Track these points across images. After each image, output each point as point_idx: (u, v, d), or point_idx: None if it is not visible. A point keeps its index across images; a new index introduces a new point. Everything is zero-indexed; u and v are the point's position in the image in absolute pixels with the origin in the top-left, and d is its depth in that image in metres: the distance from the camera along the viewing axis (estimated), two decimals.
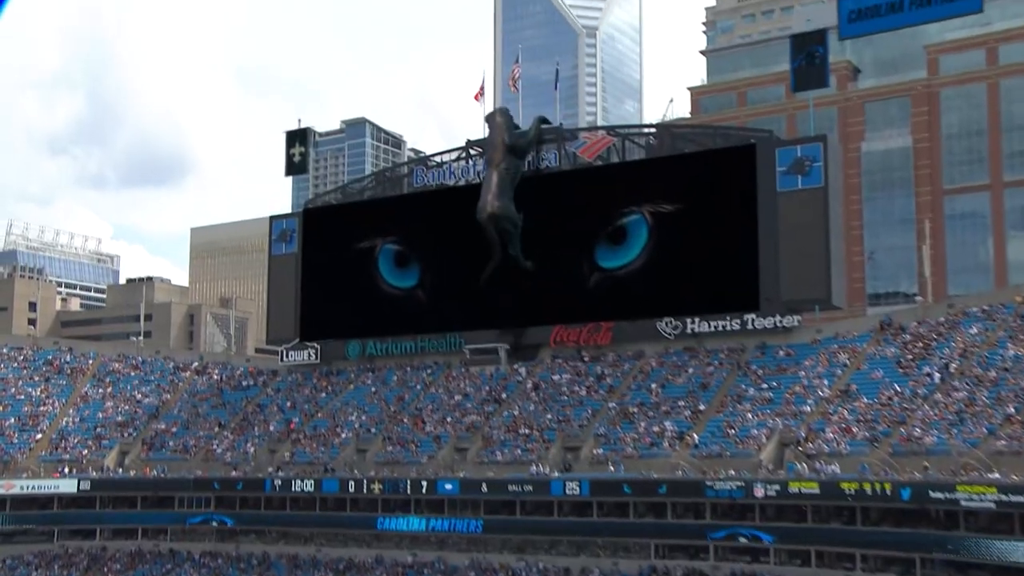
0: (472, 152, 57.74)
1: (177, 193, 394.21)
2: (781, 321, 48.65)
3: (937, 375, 43.06)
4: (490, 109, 59.27)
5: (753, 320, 49.01)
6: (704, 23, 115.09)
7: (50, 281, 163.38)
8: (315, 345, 61.62)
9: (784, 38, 54.77)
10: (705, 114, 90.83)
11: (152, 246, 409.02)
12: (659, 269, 50.53)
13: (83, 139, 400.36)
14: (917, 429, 39.87)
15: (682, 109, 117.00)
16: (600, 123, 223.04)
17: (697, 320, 50.35)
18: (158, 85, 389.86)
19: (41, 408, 62.12)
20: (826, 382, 45.65)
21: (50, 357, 67.74)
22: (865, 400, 43.31)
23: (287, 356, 62.73)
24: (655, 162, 52.89)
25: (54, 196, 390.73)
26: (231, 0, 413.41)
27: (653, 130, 58.11)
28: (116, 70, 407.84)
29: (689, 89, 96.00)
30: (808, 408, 44.05)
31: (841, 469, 39.52)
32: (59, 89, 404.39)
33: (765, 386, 46.72)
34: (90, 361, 67.52)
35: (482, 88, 60.60)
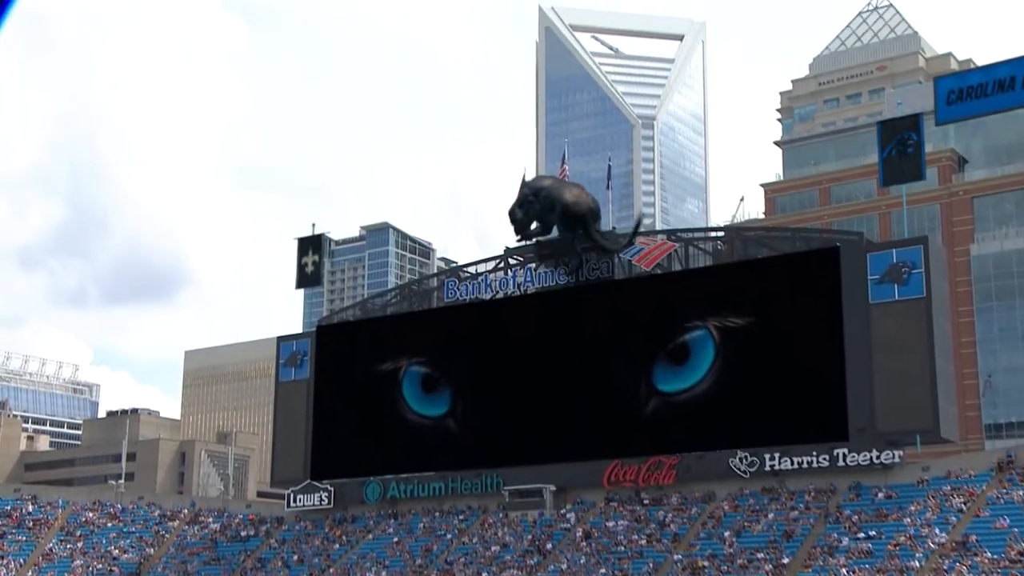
0: (512, 261, 60.04)
1: (169, 311, 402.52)
2: (879, 457, 48.66)
3: None
4: None
5: (845, 455, 49.09)
6: (779, 110, 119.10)
7: (14, 416, 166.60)
8: (328, 487, 62.59)
9: (873, 125, 57.02)
10: (781, 214, 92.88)
11: (139, 373, 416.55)
12: (729, 393, 51.23)
13: (61, 249, 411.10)
14: None
15: (754, 208, 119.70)
16: (659, 226, 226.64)
17: (777, 455, 50.58)
18: (148, 187, 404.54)
19: None
20: (938, 531, 45.23)
21: (9, 508, 67.81)
22: (989, 555, 42.75)
23: (295, 500, 63.52)
24: (723, 269, 54.41)
25: (24, 316, 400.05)
26: (231, 90, 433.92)
27: (721, 233, 59.90)
28: (100, 169, 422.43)
29: (762, 186, 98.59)
30: (917, 563, 43.58)
31: None
32: (33, 191, 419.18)
33: (862, 535, 46.45)
34: (58, 511, 67.54)
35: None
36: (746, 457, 51.22)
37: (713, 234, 59.42)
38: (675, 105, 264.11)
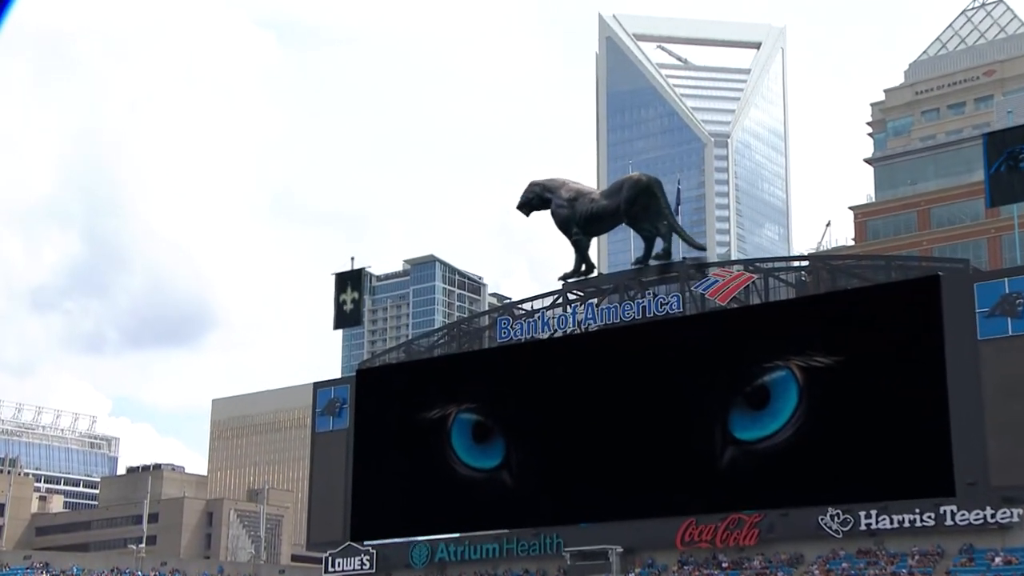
0: (571, 296, 60.58)
1: (195, 356, 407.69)
2: (993, 515, 47.94)
3: None
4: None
5: (953, 513, 48.49)
6: (870, 123, 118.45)
7: (26, 475, 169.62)
8: (370, 549, 63.14)
9: (979, 138, 56.50)
10: (874, 240, 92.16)
11: (162, 424, 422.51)
12: (816, 442, 50.94)
13: (77, 289, 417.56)
14: None
15: (843, 234, 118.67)
16: (735, 255, 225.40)
17: (874, 512, 50.11)
18: (172, 219, 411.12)
19: None
20: None
21: None
22: None
23: (333, 565, 64.05)
24: (807, 303, 54.34)
25: (37, 363, 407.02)
26: (261, 113, 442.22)
27: (805, 263, 59.81)
28: (120, 200, 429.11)
29: (852, 208, 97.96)
30: None
31: None
32: (47, 225, 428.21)
33: None
34: None
35: None
36: (838, 515, 50.81)
37: (796, 263, 59.36)
38: (752, 120, 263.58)
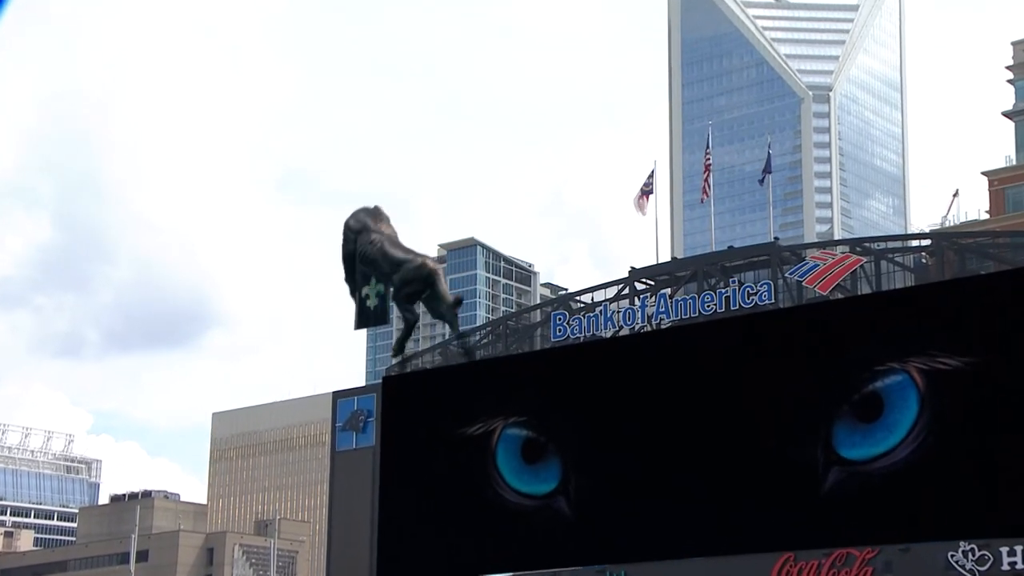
0: (639, 286, 60.54)
1: (192, 361, 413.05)
2: None
3: None
4: (664, 220, 62.38)
5: None
6: (1010, 67, 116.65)
7: None
8: None
9: None
10: (1015, 212, 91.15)
11: (152, 443, 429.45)
12: (942, 461, 50.11)
13: (49, 282, 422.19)
14: None
15: (974, 206, 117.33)
16: (839, 233, 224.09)
17: (1019, 549, 50.04)
18: (164, 200, 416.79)
19: None
20: None
21: None
22: None
23: None
24: (930, 291, 53.48)
25: (1, 371, 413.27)
26: (270, 74, 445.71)
27: (927, 241, 59.39)
28: (101, 181, 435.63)
29: (986, 174, 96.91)
30: None
31: None
32: (10, 208, 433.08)
33: None
34: None
35: (647, 189, 64.07)
36: (972, 551, 50.50)
37: (915, 243, 58.91)
38: (860, 69, 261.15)
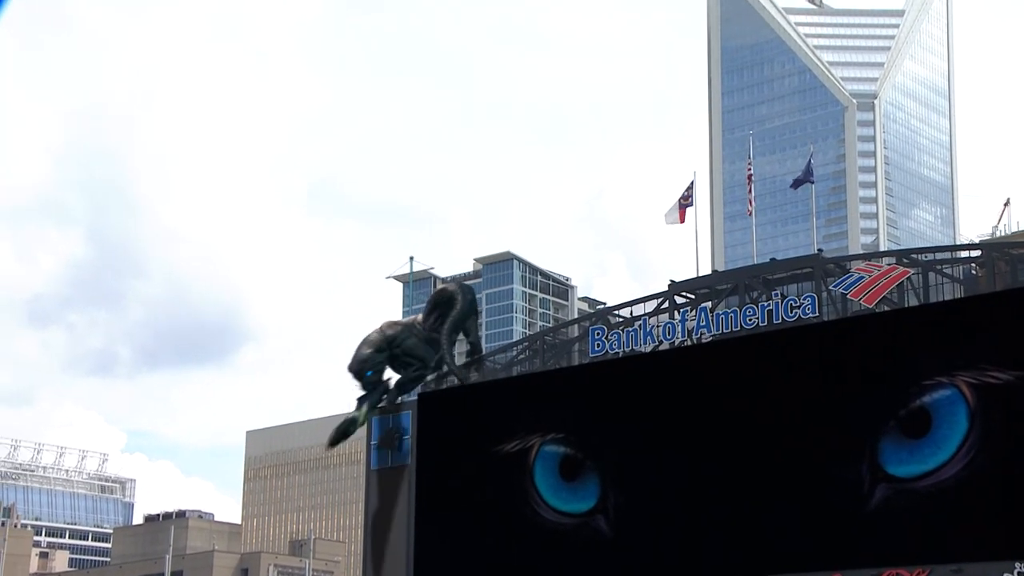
0: (679, 300, 60.29)
1: (225, 378, 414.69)
2: None
3: None
4: (704, 231, 62.17)
5: None
6: None
7: (23, 526, 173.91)
8: None
9: None
10: None
11: (186, 462, 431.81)
12: (994, 478, 49.86)
13: (81, 299, 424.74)
14: None
15: None
16: (885, 244, 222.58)
17: None
18: (194, 215, 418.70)
19: None
20: None
21: None
22: None
23: None
24: (979, 303, 53.25)
25: (34, 389, 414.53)
26: (300, 84, 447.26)
27: (976, 252, 58.65)
28: (131, 195, 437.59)
29: None
30: None
31: None
32: (42, 223, 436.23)
33: None
34: None
35: (685, 201, 63.79)
36: None
37: (964, 253, 58.30)
38: (905, 76, 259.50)
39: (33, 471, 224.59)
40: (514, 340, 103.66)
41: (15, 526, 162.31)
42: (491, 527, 62.27)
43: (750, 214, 67.05)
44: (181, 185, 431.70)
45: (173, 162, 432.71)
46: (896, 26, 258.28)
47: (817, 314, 55.88)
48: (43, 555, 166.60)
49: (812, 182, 71.14)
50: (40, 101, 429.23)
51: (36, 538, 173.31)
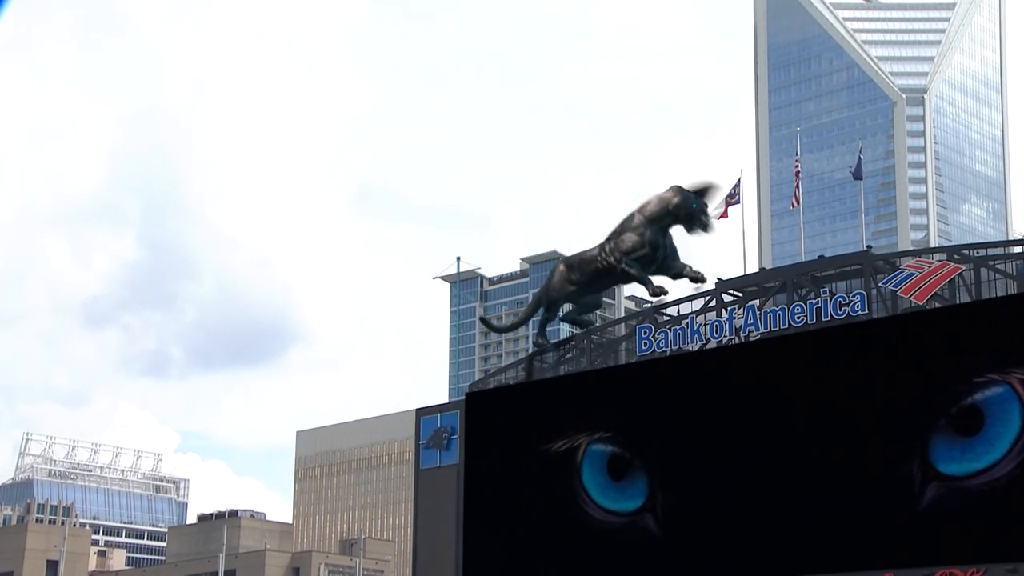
0: (727, 298, 60.13)
1: (276, 379, 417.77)
2: None
3: None
4: (751, 229, 62.04)
5: None
6: None
7: (82, 525, 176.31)
8: None
9: None
10: None
11: (238, 462, 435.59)
12: None
13: (135, 301, 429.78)
14: None
15: None
16: (935, 240, 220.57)
17: None
18: (246, 218, 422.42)
19: None
20: None
21: None
22: None
23: None
24: None
25: (91, 390, 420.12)
26: (349, 87, 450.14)
27: None
28: (184, 198, 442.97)
29: None
30: None
31: None
32: (97, 228, 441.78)
33: None
34: None
35: (732, 198, 63.62)
36: None
37: (1017, 249, 57.77)
38: (956, 70, 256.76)
39: (90, 471, 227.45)
40: (561, 339, 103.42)
41: (74, 525, 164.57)
42: (539, 526, 62.39)
43: (792, 207, 66.75)
44: (233, 188, 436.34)
45: (225, 165, 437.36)
46: (947, 19, 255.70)
47: (867, 311, 55.56)
48: (101, 554, 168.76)
49: (861, 178, 70.85)
50: (96, 104, 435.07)
51: (94, 537, 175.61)
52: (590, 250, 61.62)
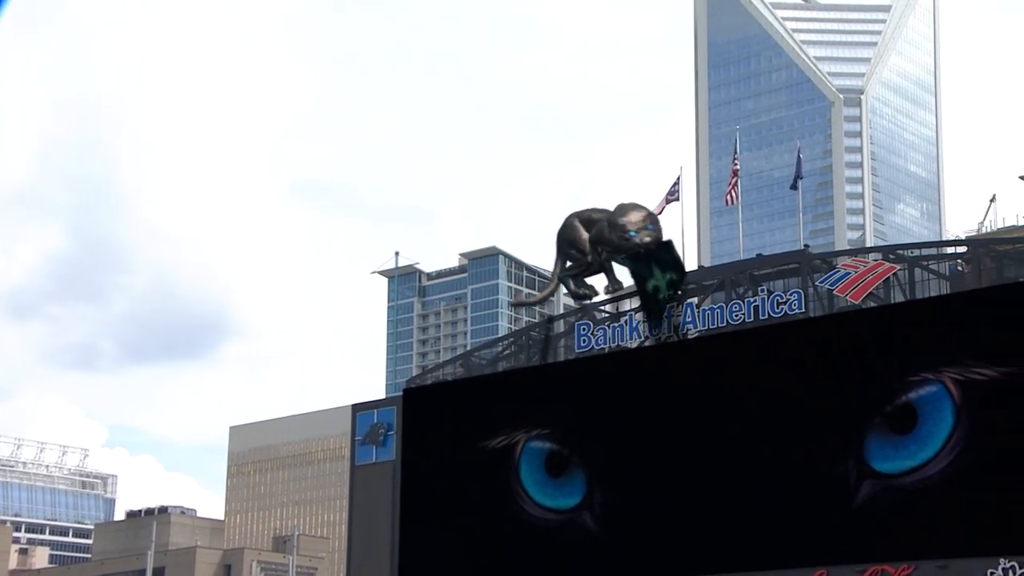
0: None
1: (209, 373, 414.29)
2: None
3: None
4: (690, 227, 62.28)
5: None
6: None
7: (3, 522, 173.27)
8: None
9: None
10: None
11: (168, 457, 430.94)
12: (979, 474, 50.04)
13: (63, 292, 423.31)
14: None
15: (1011, 211, 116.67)
16: (871, 240, 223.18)
17: None
18: (179, 208, 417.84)
19: None
20: None
21: None
22: None
23: None
24: (965, 300, 53.44)
25: (15, 383, 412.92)
26: (286, 78, 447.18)
27: (962, 249, 58.85)
28: (114, 186, 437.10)
29: (1023, 179, 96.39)
30: None
31: None
32: (23, 218, 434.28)
33: None
34: None
35: (671, 196, 63.83)
36: (1014, 568, 49.75)
37: (951, 250, 58.47)
38: (892, 71, 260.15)
39: (13, 466, 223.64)
40: (499, 336, 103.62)
41: None
42: (476, 523, 62.29)
43: (727, 204, 67.18)
44: (167, 179, 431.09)
45: (159, 156, 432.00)
46: (883, 21, 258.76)
47: (803, 310, 55.97)
48: (23, 551, 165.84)
49: (801, 177, 71.38)
50: (24, 91, 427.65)
51: (16, 534, 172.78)
52: (595, 213, 59.66)
